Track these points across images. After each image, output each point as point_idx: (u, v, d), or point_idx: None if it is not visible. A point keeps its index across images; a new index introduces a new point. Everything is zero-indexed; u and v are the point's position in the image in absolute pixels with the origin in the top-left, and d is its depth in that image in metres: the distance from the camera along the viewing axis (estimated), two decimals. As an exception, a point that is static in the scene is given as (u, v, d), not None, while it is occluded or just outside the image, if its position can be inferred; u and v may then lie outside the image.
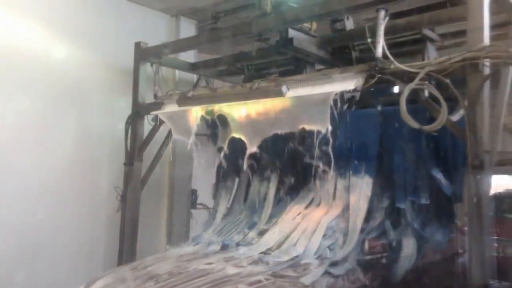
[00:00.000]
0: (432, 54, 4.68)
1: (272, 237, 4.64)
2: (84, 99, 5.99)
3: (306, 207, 4.87)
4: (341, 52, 5.24)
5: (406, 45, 4.69)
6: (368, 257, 4.13)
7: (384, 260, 4.27)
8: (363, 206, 4.47)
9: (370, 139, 4.69)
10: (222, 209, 5.55)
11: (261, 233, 4.82)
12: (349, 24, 5.12)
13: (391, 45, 3.93)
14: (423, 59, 4.50)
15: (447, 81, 3.56)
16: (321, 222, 4.55)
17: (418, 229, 4.47)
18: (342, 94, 4.90)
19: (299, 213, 4.79)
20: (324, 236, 4.41)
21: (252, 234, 4.87)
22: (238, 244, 4.78)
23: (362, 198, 4.52)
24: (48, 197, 5.52)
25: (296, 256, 4.23)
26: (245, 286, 3.58)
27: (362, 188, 4.57)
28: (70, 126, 5.88)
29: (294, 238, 4.50)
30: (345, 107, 5.18)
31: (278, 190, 5.24)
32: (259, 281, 3.65)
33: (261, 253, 4.43)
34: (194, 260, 4.38)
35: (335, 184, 4.84)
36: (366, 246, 4.17)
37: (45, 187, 5.49)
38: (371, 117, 4.75)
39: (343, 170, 4.76)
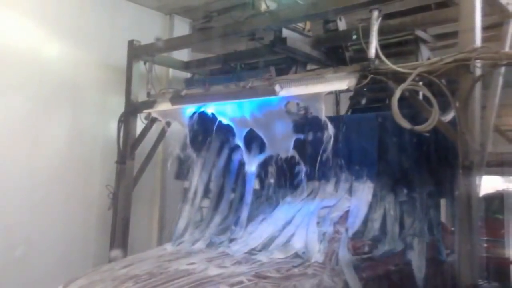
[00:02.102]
0: (425, 55, 4.72)
1: (262, 234, 4.59)
2: (76, 97, 5.96)
3: (301, 202, 4.86)
4: (334, 52, 5.27)
5: (399, 45, 4.73)
6: (354, 257, 4.09)
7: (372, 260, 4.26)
8: (363, 210, 4.49)
9: (370, 143, 4.72)
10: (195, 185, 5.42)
11: (248, 231, 4.77)
12: (342, 24, 5.15)
13: (384, 46, 3.95)
14: (416, 60, 4.54)
15: (439, 82, 3.59)
16: (313, 211, 4.57)
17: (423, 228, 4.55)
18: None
19: (292, 208, 4.78)
20: (317, 223, 4.40)
21: (238, 231, 4.81)
22: (223, 242, 4.73)
23: (363, 202, 4.54)
24: (39, 194, 5.49)
25: (297, 254, 4.19)
26: (226, 287, 3.52)
27: (363, 193, 4.60)
28: (62, 124, 5.85)
29: (288, 233, 4.46)
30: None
31: (267, 187, 5.20)
32: (241, 282, 3.60)
33: (246, 252, 4.38)
34: (175, 260, 4.32)
35: (334, 184, 4.87)
36: (350, 246, 4.13)
37: (36, 185, 5.46)
38: (369, 122, 4.78)
39: (345, 174, 4.79)
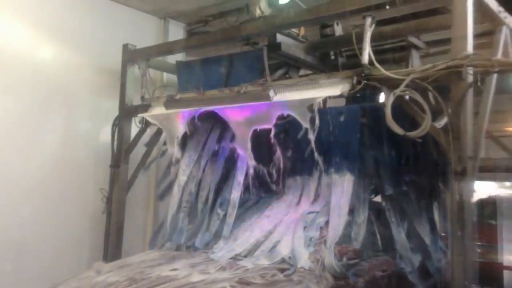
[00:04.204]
0: (416, 61, 4.75)
1: (248, 239, 4.53)
2: (71, 100, 5.94)
3: (286, 207, 4.82)
4: (327, 57, 5.28)
5: (392, 51, 4.76)
6: (339, 263, 4.05)
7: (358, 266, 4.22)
8: (345, 205, 4.41)
9: (352, 136, 4.67)
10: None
11: (234, 236, 4.69)
12: (339, 29, 5.17)
13: (377, 52, 3.97)
14: (406, 66, 4.57)
15: (432, 88, 3.62)
16: (299, 217, 4.52)
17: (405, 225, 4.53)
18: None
19: (278, 213, 4.74)
20: (304, 228, 4.35)
21: (223, 237, 4.72)
22: (208, 247, 4.66)
23: (343, 196, 4.46)
24: (33, 198, 5.46)
25: (284, 259, 4.13)
26: None
27: (343, 186, 4.52)
28: (56, 127, 5.83)
29: (274, 239, 4.40)
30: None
31: (251, 190, 5.13)
32: None
33: (231, 258, 4.31)
34: (158, 266, 4.22)
35: (317, 182, 4.81)
36: (336, 252, 4.08)
37: (30, 188, 5.43)
38: (352, 114, 4.75)
39: (326, 167, 4.71)
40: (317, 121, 4.18)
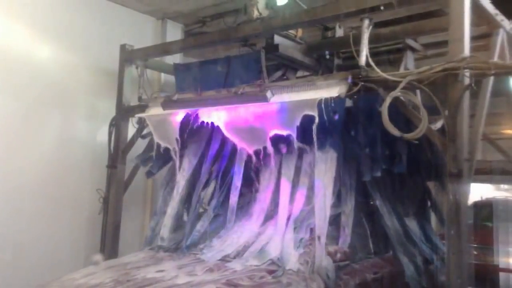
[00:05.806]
0: (410, 63, 4.77)
1: (238, 240, 4.47)
2: (68, 101, 5.94)
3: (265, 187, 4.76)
4: (324, 59, 5.29)
5: (388, 53, 4.77)
6: (332, 264, 3.97)
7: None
8: (329, 185, 4.31)
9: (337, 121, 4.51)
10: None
11: (222, 238, 4.63)
12: (340, 32, 5.18)
13: (373, 54, 3.98)
14: (399, 69, 4.58)
15: (428, 90, 3.63)
16: (289, 219, 4.43)
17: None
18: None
19: (263, 216, 4.67)
20: (294, 229, 4.28)
21: (214, 238, 4.65)
22: (199, 248, 4.60)
23: (327, 175, 4.35)
24: (30, 198, 5.45)
25: (273, 261, 4.05)
26: None
27: (327, 163, 4.39)
28: (52, 127, 5.83)
29: (263, 240, 4.34)
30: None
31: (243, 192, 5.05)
32: None
33: (220, 259, 4.25)
34: (144, 267, 4.15)
35: (296, 159, 4.70)
36: (326, 253, 4.00)
37: (26, 189, 5.42)
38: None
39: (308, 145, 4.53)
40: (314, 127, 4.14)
